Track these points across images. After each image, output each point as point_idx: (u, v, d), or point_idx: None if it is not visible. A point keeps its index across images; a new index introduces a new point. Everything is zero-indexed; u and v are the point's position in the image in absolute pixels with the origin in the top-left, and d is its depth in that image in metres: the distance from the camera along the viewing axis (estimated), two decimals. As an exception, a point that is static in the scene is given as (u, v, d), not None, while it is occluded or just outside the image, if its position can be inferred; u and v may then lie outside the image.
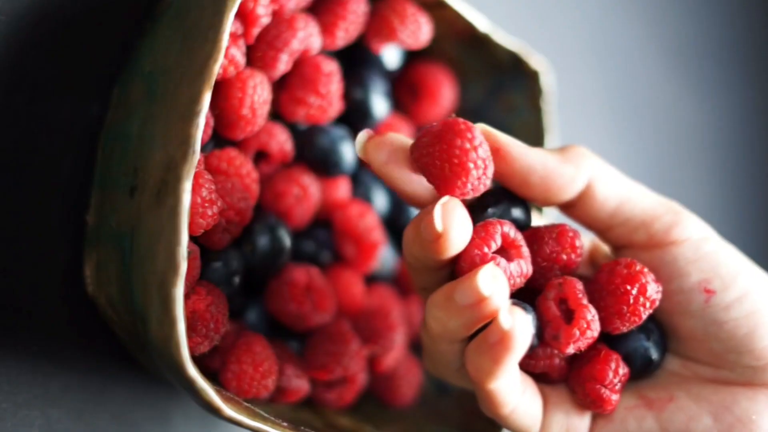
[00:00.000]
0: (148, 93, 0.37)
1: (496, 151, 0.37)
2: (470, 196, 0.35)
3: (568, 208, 0.38)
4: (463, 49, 0.47)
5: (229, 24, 0.35)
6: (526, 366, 0.38)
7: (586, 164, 0.37)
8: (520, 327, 0.33)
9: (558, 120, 0.50)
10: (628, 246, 0.38)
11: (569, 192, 0.37)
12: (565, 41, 0.67)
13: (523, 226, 0.37)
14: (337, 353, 0.42)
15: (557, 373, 0.38)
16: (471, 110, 0.49)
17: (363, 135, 0.37)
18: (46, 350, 0.39)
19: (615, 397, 0.37)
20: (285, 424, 0.37)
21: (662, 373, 0.39)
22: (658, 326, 0.39)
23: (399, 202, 0.47)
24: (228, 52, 0.39)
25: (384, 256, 0.47)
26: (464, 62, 0.48)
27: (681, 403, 0.38)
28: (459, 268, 0.35)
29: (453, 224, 0.34)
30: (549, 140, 0.47)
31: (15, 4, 0.37)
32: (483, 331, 0.35)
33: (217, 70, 0.34)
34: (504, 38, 0.45)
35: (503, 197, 0.37)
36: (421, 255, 0.35)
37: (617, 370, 0.37)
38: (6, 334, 0.38)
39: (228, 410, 0.34)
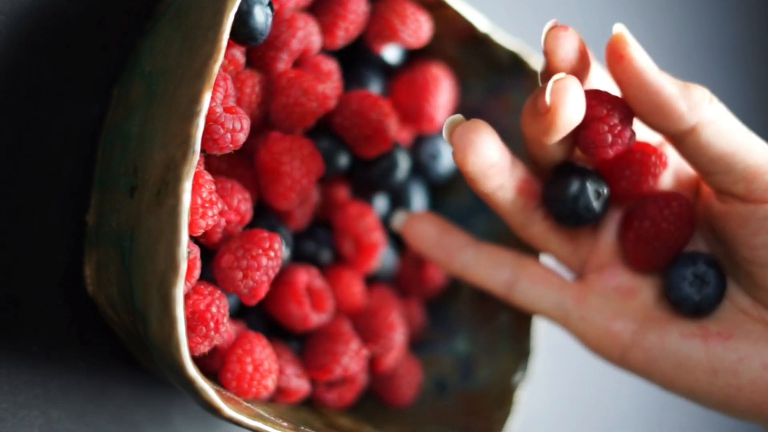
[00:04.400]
0: (148, 93, 0.37)
1: (620, 59, 0.36)
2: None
3: (674, 142, 0.38)
4: (463, 49, 0.47)
5: (229, 24, 0.35)
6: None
7: (702, 106, 0.37)
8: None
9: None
10: (727, 193, 0.38)
11: (674, 126, 0.37)
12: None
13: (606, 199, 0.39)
14: (337, 353, 0.42)
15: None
16: (471, 110, 0.49)
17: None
18: (46, 350, 0.39)
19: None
20: (285, 424, 0.37)
21: (731, 307, 0.40)
22: (718, 267, 0.40)
23: (399, 202, 0.47)
24: (228, 52, 0.39)
25: (384, 256, 0.47)
26: (464, 62, 0.48)
27: (737, 343, 0.39)
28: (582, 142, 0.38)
29: (565, 101, 0.35)
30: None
31: (15, 4, 0.37)
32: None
33: (217, 70, 0.34)
34: (504, 38, 0.45)
35: (586, 174, 0.39)
36: (534, 130, 0.37)
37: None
38: (6, 335, 0.38)
39: (228, 410, 0.34)
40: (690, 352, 0.39)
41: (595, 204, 0.39)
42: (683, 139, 0.37)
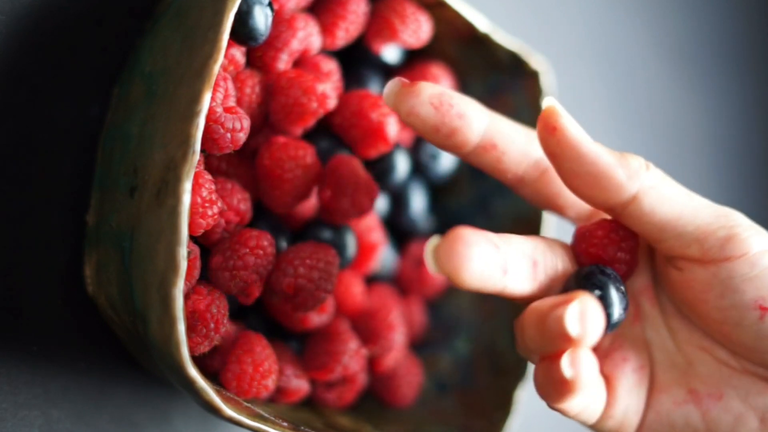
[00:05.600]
0: (148, 93, 0.37)
1: (553, 130, 0.35)
2: None
3: (613, 213, 0.37)
4: (463, 48, 0.47)
5: (229, 24, 0.35)
6: None
7: (641, 173, 0.36)
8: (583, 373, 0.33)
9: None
10: (681, 258, 0.37)
11: (614, 197, 0.36)
12: (565, 41, 0.67)
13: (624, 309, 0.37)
14: (336, 353, 0.42)
15: None
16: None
17: (394, 83, 0.37)
18: (46, 350, 0.39)
19: None
20: (285, 424, 0.37)
21: (712, 361, 0.39)
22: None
23: (399, 202, 0.47)
24: (228, 52, 0.39)
25: (384, 256, 0.47)
26: (464, 62, 0.48)
27: (729, 403, 0.38)
28: None
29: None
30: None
31: (15, 4, 0.37)
32: (547, 365, 0.34)
33: (217, 70, 0.34)
34: (504, 38, 0.45)
35: (610, 281, 0.36)
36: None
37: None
38: (6, 335, 0.38)
39: (228, 410, 0.34)
40: (686, 420, 0.39)
41: (617, 317, 0.36)
42: (624, 210, 0.36)
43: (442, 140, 0.38)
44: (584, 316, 0.33)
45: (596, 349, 0.40)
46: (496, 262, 0.34)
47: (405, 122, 0.38)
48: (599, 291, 0.36)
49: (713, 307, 0.37)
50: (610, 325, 0.36)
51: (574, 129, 0.35)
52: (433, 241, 0.33)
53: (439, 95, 0.37)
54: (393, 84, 0.38)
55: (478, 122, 0.38)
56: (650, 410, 0.39)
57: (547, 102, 0.36)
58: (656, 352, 0.40)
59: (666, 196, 0.36)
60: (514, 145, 0.39)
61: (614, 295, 0.36)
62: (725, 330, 0.37)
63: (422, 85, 0.37)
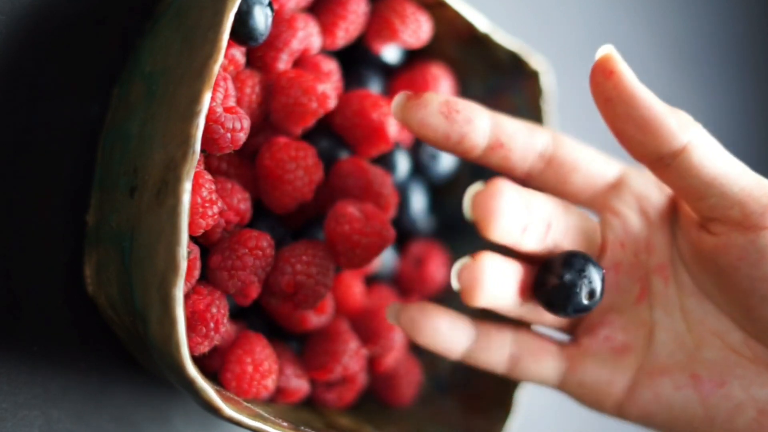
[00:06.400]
0: (148, 93, 0.37)
1: (610, 74, 0.36)
2: None
3: (661, 167, 0.37)
4: (463, 49, 0.47)
5: (229, 24, 0.35)
6: None
7: (691, 126, 0.36)
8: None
9: (558, 120, 0.50)
10: (720, 220, 0.37)
11: (665, 145, 0.36)
12: (565, 41, 0.67)
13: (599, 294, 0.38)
14: (336, 353, 0.42)
15: None
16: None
17: (401, 97, 0.39)
18: (46, 350, 0.39)
19: None
20: (285, 424, 0.37)
21: (722, 345, 0.39)
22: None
23: (399, 202, 0.47)
24: (228, 52, 0.39)
25: (384, 256, 0.47)
26: (464, 62, 0.48)
27: (731, 390, 0.38)
28: None
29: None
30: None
31: (15, 4, 0.37)
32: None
33: (217, 70, 0.34)
34: (504, 38, 0.45)
35: (581, 262, 0.38)
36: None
37: None
38: (6, 334, 0.38)
39: (228, 410, 0.34)
40: (685, 404, 0.39)
41: (587, 302, 0.38)
42: (672, 161, 0.36)
43: (452, 147, 0.39)
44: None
45: (581, 323, 0.41)
46: (522, 221, 0.37)
47: (416, 134, 0.39)
48: (581, 272, 0.38)
49: (744, 276, 0.37)
50: (586, 306, 0.38)
51: (630, 74, 0.36)
52: (476, 187, 0.36)
53: (447, 103, 0.38)
54: (399, 98, 0.39)
55: (483, 125, 0.39)
56: (646, 390, 0.39)
57: (604, 49, 0.36)
58: (662, 333, 0.40)
59: (715, 152, 0.36)
60: (519, 141, 0.40)
61: (595, 277, 0.38)
62: (751, 303, 0.37)
63: (429, 96, 0.38)
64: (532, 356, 0.41)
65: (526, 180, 0.41)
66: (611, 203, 0.40)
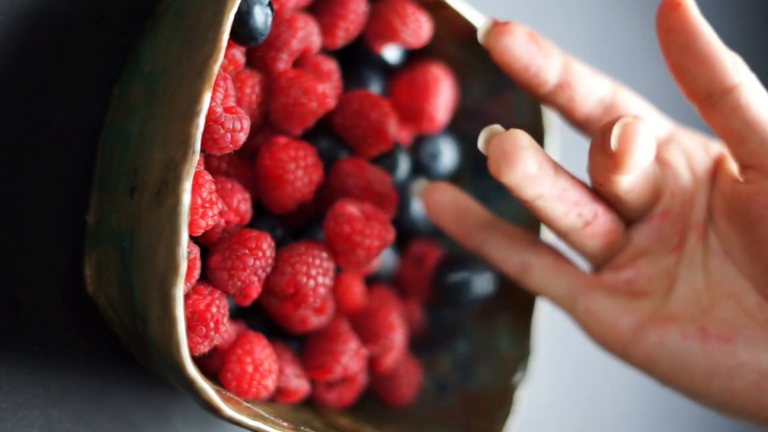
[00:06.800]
0: (148, 93, 0.37)
1: (677, 6, 0.37)
2: None
3: (709, 105, 0.38)
4: (463, 49, 0.47)
5: (229, 24, 0.35)
6: None
7: (745, 69, 0.37)
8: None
9: (558, 120, 0.50)
10: (755, 168, 0.38)
11: (720, 81, 0.37)
12: (565, 41, 0.67)
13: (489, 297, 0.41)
14: (336, 353, 0.42)
15: None
16: (471, 110, 0.49)
17: (488, 22, 0.39)
18: (46, 350, 0.39)
19: None
20: (285, 424, 0.37)
21: (735, 307, 0.39)
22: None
23: (399, 202, 0.47)
24: (228, 52, 0.39)
25: (384, 256, 0.47)
26: (464, 62, 0.48)
27: (736, 348, 0.39)
28: None
29: (634, 146, 0.35)
30: (549, 140, 0.47)
31: (15, 4, 0.37)
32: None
33: (217, 70, 0.34)
34: (504, 38, 0.45)
35: (471, 264, 0.41)
36: (601, 168, 0.37)
37: None
38: (6, 335, 0.38)
39: (228, 410, 0.34)
40: (688, 354, 0.39)
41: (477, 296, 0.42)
42: (722, 99, 0.37)
43: (527, 79, 0.39)
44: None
45: (608, 259, 0.42)
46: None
47: (498, 61, 0.39)
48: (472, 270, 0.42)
49: None
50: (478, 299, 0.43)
51: (694, 8, 0.37)
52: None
53: (531, 34, 0.39)
54: (486, 23, 0.39)
55: (558, 62, 0.40)
56: (653, 334, 0.40)
57: None
58: (681, 287, 0.40)
59: (762, 98, 0.37)
60: (583, 84, 0.40)
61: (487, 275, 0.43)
62: None
63: (515, 24, 0.39)
64: (545, 268, 0.42)
65: (583, 124, 0.41)
66: (663, 155, 0.41)
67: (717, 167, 0.41)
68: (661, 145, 0.41)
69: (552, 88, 0.40)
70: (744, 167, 0.38)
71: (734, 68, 0.37)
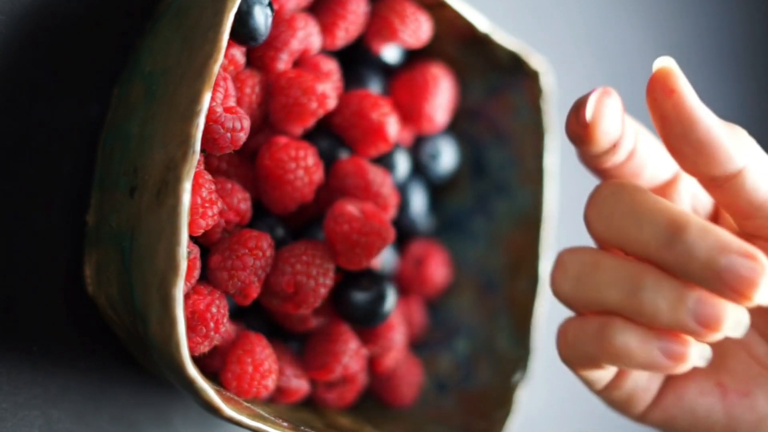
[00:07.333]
0: (148, 93, 0.37)
1: (671, 93, 0.34)
2: None
3: (713, 186, 0.36)
4: (463, 49, 0.47)
5: (229, 24, 0.35)
6: None
7: (749, 149, 0.35)
8: None
9: (558, 120, 0.50)
10: (763, 238, 0.36)
11: (721, 169, 0.35)
12: (565, 41, 0.67)
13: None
14: (336, 353, 0.42)
15: None
16: (471, 110, 0.49)
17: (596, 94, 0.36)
18: (46, 350, 0.39)
19: None
20: (285, 424, 0.37)
21: (747, 358, 0.39)
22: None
23: (399, 202, 0.47)
24: (228, 52, 0.39)
25: (384, 256, 0.47)
26: (464, 62, 0.48)
27: (756, 401, 0.38)
28: None
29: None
30: (549, 140, 0.47)
31: (15, 4, 0.37)
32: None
33: (217, 70, 0.34)
34: (504, 38, 0.45)
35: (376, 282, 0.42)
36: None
37: None
38: (6, 335, 0.38)
39: (228, 410, 0.34)
40: (708, 411, 0.38)
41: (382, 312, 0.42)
42: (725, 182, 0.35)
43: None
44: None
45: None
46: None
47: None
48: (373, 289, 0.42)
49: None
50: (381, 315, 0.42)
51: (691, 94, 0.35)
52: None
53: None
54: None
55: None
56: (671, 394, 0.39)
57: (663, 62, 0.35)
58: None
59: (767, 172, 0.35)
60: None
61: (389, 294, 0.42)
62: None
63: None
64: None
65: (604, 172, 0.39)
66: (671, 196, 0.39)
67: (719, 212, 0.40)
68: (667, 186, 0.40)
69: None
70: (750, 237, 0.37)
71: (737, 152, 0.35)
